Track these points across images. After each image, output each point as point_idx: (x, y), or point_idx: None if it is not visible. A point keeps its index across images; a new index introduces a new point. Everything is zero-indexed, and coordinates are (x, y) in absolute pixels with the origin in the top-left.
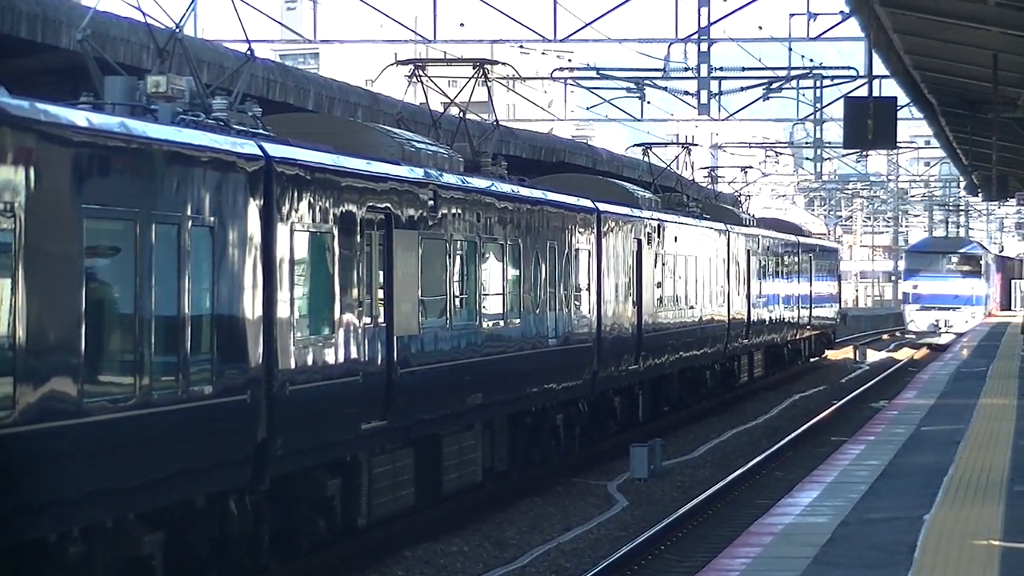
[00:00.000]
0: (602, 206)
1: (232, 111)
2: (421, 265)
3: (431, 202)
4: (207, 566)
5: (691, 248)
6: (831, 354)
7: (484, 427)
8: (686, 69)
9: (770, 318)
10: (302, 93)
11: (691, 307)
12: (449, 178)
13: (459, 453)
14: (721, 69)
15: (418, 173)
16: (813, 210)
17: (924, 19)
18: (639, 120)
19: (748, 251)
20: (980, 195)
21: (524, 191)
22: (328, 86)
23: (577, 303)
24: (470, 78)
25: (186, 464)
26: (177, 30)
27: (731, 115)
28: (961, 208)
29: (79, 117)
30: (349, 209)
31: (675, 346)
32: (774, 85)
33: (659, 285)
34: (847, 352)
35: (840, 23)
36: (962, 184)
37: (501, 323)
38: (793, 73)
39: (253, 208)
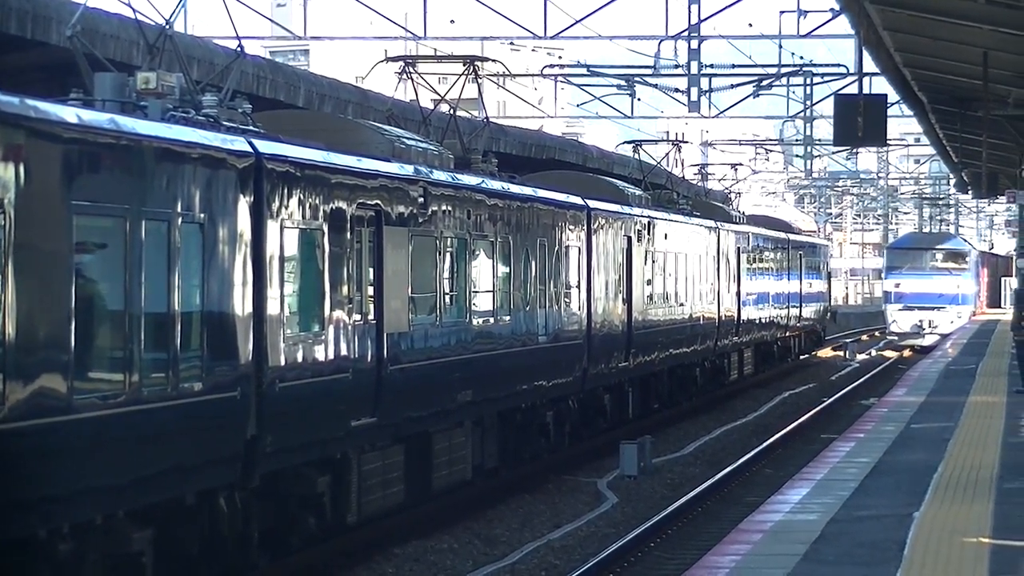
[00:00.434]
0: (592, 203)
1: (222, 108)
2: (411, 262)
3: (421, 199)
4: (197, 563)
5: (681, 245)
6: (821, 351)
7: (474, 424)
8: (676, 66)
9: (760, 316)
10: (292, 90)
11: (681, 304)
12: (439, 175)
13: (449, 450)
14: (711, 66)
15: (408, 170)
16: (803, 207)
17: (914, 16)
18: (629, 117)
19: (738, 248)
20: (970, 192)
21: (514, 188)
22: (318, 83)
23: (567, 300)
24: (460, 75)
25: (176, 461)
26: (167, 26)
27: (721, 112)
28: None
29: (69, 113)
30: (339, 206)
31: (665, 343)
32: (764, 82)
33: (649, 282)
34: (837, 350)
35: (830, 20)
36: (952, 181)
37: (491, 320)
38: (783, 70)
39: (243, 205)
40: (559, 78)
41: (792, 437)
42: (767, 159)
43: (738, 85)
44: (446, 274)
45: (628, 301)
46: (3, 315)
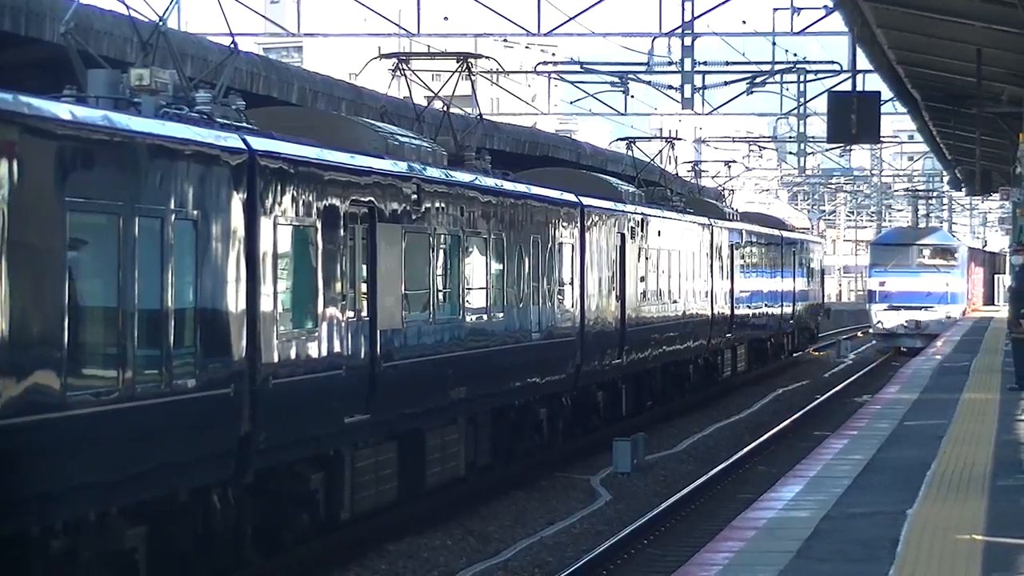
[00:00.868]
0: (585, 200)
1: (216, 104)
2: (404, 259)
3: (414, 196)
4: (190, 560)
5: (675, 242)
6: (814, 348)
7: (467, 421)
8: (670, 63)
9: (753, 313)
10: (286, 87)
11: (675, 301)
12: (432, 172)
13: (442, 447)
14: (705, 63)
15: (401, 167)
16: (796, 204)
17: (908, 14)
18: (623, 114)
19: (731, 245)
20: (963, 190)
21: (507, 185)
22: (312, 80)
23: (560, 297)
24: (454, 72)
25: (169, 458)
26: (160, 23)
27: (715, 109)
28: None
29: (62, 110)
30: (333, 203)
31: (658, 341)
32: (758, 79)
33: (642, 279)
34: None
35: (824, 18)
36: (945, 178)
37: (484, 317)
38: (777, 68)
39: (236, 202)
40: (552, 75)
41: (785, 434)
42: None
43: (732, 82)
44: (439, 271)
45: (621, 298)
46: None
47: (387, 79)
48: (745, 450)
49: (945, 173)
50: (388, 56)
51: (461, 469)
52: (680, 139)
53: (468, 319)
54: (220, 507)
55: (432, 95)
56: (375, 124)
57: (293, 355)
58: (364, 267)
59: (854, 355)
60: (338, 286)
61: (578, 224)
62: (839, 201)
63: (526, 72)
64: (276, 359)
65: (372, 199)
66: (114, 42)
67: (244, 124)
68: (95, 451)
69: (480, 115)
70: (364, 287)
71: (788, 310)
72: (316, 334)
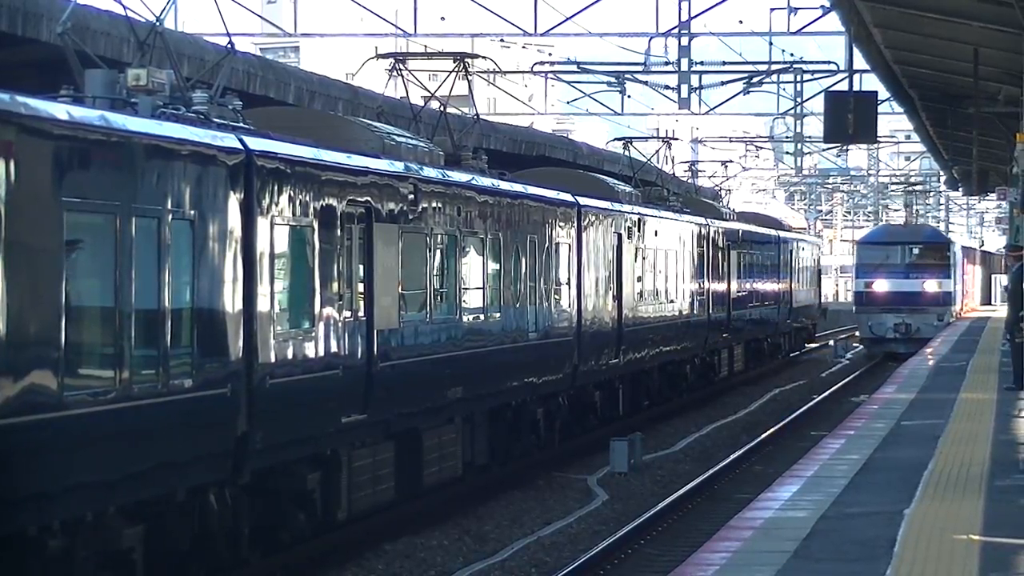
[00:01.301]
0: (582, 200)
1: (212, 104)
2: (401, 259)
3: (411, 196)
4: (187, 560)
5: (671, 242)
6: (811, 348)
7: (464, 421)
8: (666, 63)
9: (750, 312)
10: (283, 86)
11: (671, 301)
12: (429, 172)
13: (439, 447)
14: (701, 63)
15: (398, 167)
16: (793, 204)
17: (905, 13)
18: (619, 114)
19: (728, 245)
20: (960, 189)
21: (504, 185)
22: (308, 80)
23: (557, 297)
24: (450, 72)
25: (166, 457)
26: (157, 23)
27: (711, 109)
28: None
29: (59, 110)
30: (329, 203)
31: (655, 340)
32: (754, 79)
33: (639, 279)
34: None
35: (821, 17)
36: (942, 178)
37: (481, 317)
38: (773, 67)
39: (233, 201)
40: (549, 75)
41: (782, 434)
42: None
43: (728, 82)
44: (436, 271)
45: (618, 298)
46: None
47: (384, 79)
48: (742, 450)
49: (942, 173)
50: (385, 56)
51: (458, 469)
52: (677, 139)
53: (465, 319)
54: (217, 507)
55: (429, 95)
56: (372, 124)
57: (290, 355)
58: (361, 267)
59: (851, 355)
60: (335, 286)
61: (575, 224)
62: (836, 201)
63: (523, 72)
64: (273, 359)
65: (369, 199)
66: (111, 42)
67: (241, 124)
68: (92, 451)
69: (477, 115)
70: (361, 287)
71: (785, 309)
72: (313, 334)
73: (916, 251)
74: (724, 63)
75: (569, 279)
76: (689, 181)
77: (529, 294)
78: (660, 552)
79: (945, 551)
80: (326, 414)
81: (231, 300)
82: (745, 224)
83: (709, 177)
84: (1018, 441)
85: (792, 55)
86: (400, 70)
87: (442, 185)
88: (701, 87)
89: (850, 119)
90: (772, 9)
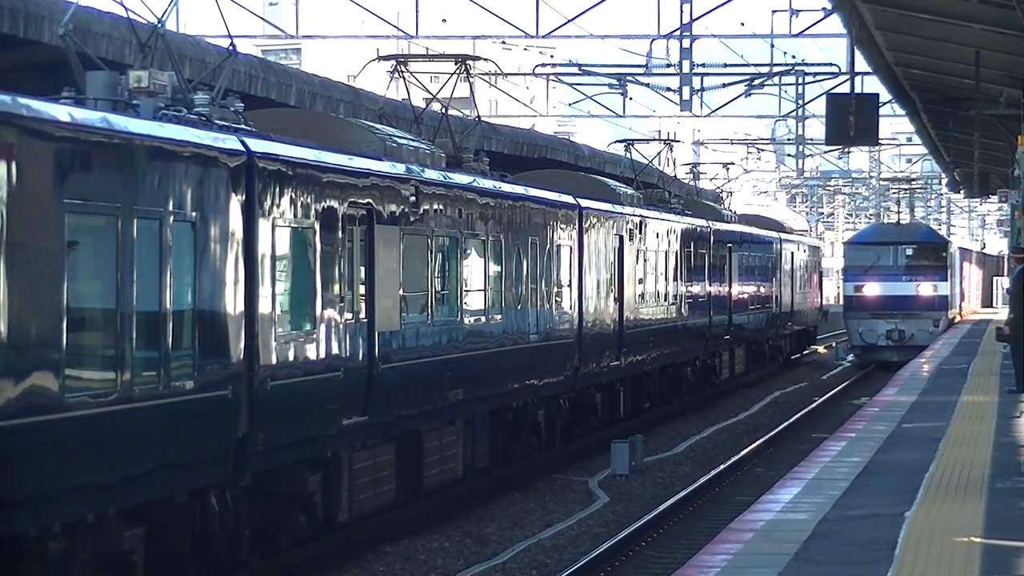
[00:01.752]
0: (584, 202)
1: (214, 106)
2: (402, 261)
3: (413, 198)
4: (188, 562)
5: (672, 244)
6: (824, 347)
7: (465, 423)
8: (668, 65)
9: (751, 314)
10: (284, 88)
11: (672, 303)
12: (431, 174)
13: (440, 449)
14: (703, 65)
15: (400, 169)
16: (795, 206)
17: (906, 16)
18: (621, 116)
19: (729, 248)
20: (962, 192)
21: (506, 187)
22: (310, 81)
23: (558, 299)
24: (452, 74)
25: (167, 459)
26: (159, 25)
27: (713, 111)
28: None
29: (61, 112)
30: (331, 205)
31: (656, 342)
32: (756, 81)
33: (640, 281)
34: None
35: (822, 19)
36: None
37: (482, 319)
38: (775, 69)
39: (235, 203)
40: (551, 77)
41: (783, 436)
42: (759, 158)
43: (730, 84)
44: (437, 273)
45: (619, 300)
46: None
47: (385, 81)
48: (743, 452)
49: (944, 175)
50: (386, 58)
51: (459, 471)
52: (678, 141)
53: (466, 321)
54: (218, 509)
55: (430, 97)
56: (373, 126)
57: (291, 357)
58: (362, 269)
59: (851, 357)
60: (336, 288)
61: (576, 226)
62: (837, 203)
63: (524, 74)
64: (274, 361)
65: (370, 201)
66: (113, 44)
67: (242, 126)
68: (93, 453)
69: (478, 117)
70: (362, 289)
71: (787, 311)
72: (314, 336)
73: (910, 252)
74: (726, 65)
75: (570, 281)
76: (690, 183)
77: (530, 296)
78: (661, 554)
79: (946, 553)
80: (327, 416)
81: (232, 302)
82: (746, 226)
83: (711, 179)
84: (1019, 444)
85: (794, 57)
86: (402, 72)
87: (443, 187)
88: (703, 89)
89: (851, 121)
90: (774, 11)
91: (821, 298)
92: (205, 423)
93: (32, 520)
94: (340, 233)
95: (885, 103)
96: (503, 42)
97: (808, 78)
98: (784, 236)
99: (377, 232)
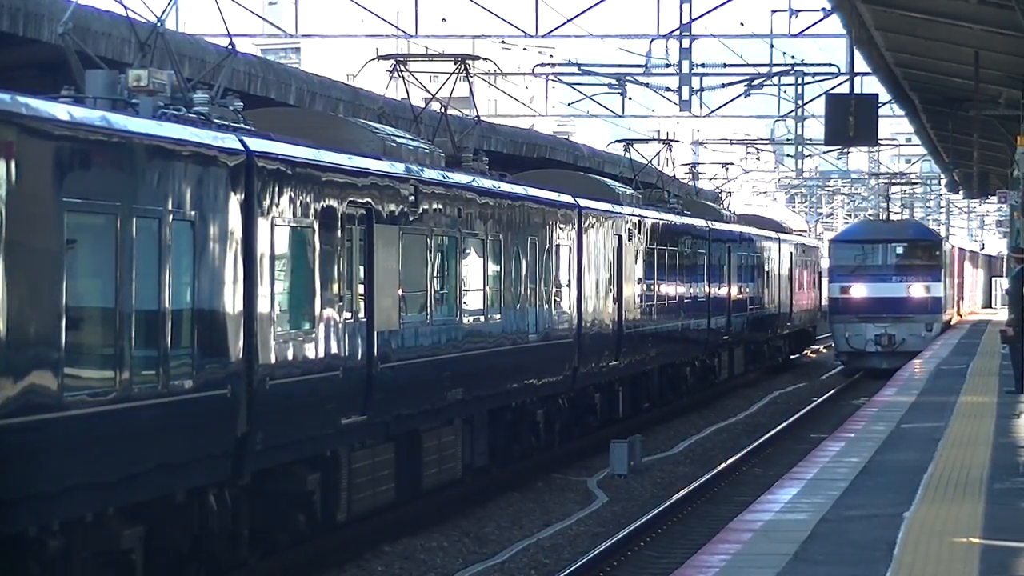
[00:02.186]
0: (583, 202)
1: (213, 105)
2: (402, 260)
3: (412, 197)
4: (187, 561)
5: (671, 244)
6: (811, 351)
7: (464, 422)
8: (667, 65)
9: (750, 314)
10: (283, 87)
11: (671, 303)
12: (430, 173)
13: (439, 448)
14: (703, 65)
15: (399, 168)
16: (794, 207)
17: (906, 16)
18: (620, 116)
19: (728, 247)
20: (961, 192)
21: (505, 186)
22: (309, 81)
23: (558, 299)
24: (451, 73)
25: (166, 458)
26: (158, 24)
27: (712, 111)
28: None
29: (60, 111)
30: (330, 204)
31: (655, 342)
32: (755, 82)
33: (640, 281)
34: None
35: (822, 20)
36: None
37: (481, 318)
38: (774, 70)
39: (234, 202)
40: (550, 77)
41: (782, 437)
42: (758, 158)
43: (729, 84)
44: (436, 272)
45: (618, 300)
46: None
47: (385, 80)
48: (742, 452)
49: (943, 175)
50: (386, 57)
51: (458, 470)
52: (678, 141)
53: (465, 320)
54: (217, 508)
55: (430, 96)
56: (373, 125)
57: (290, 356)
58: (361, 268)
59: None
60: (335, 287)
61: (575, 226)
62: (836, 203)
63: (524, 74)
64: (273, 360)
65: (369, 200)
66: (112, 43)
67: (242, 125)
68: (92, 451)
69: (478, 116)
70: (361, 288)
71: (785, 311)
72: (313, 335)
73: (900, 250)
74: (725, 65)
75: (569, 281)
76: (690, 183)
77: (529, 296)
78: (660, 554)
79: (945, 554)
80: (326, 415)
81: (231, 301)
82: (745, 226)
83: (710, 179)
84: (1018, 444)
85: (793, 57)
86: (401, 71)
87: (443, 187)
88: (702, 89)
89: (851, 121)
90: (773, 11)
91: (820, 298)
92: (204, 422)
93: (31, 519)
94: (339, 232)
95: (884, 103)
96: (502, 42)
97: (807, 78)
98: (783, 236)
99: (376, 232)
